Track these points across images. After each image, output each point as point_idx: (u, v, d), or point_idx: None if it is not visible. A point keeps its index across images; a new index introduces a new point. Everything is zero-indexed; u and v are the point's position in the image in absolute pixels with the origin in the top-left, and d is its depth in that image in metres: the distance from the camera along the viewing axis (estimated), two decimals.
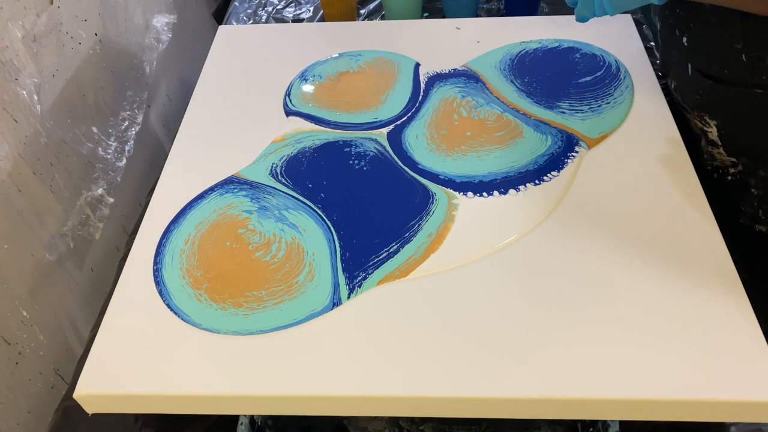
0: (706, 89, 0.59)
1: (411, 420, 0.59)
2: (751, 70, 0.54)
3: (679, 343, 0.47)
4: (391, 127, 0.67)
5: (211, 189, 0.61)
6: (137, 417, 0.58)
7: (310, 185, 0.61)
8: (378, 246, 0.55)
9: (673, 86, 0.65)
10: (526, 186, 0.59)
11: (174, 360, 0.48)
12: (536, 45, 0.76)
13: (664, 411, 0.45)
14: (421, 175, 0.61)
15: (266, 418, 0.57)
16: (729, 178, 0.62)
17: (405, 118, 0.68)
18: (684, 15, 0.59)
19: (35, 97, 0.67)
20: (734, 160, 0.61)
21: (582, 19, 0.63)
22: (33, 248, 0.68)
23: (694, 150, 0.65)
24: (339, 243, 0.55)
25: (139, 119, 0.88)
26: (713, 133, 0.60)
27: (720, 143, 0.61)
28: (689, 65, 0.60)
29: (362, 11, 0.99)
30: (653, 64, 0.81)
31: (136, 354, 0.49)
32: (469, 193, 0.59)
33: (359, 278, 0.53)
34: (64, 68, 0.74)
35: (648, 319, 0.48)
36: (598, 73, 0.71)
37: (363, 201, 0.59)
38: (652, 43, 0.89)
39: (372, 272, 0.53)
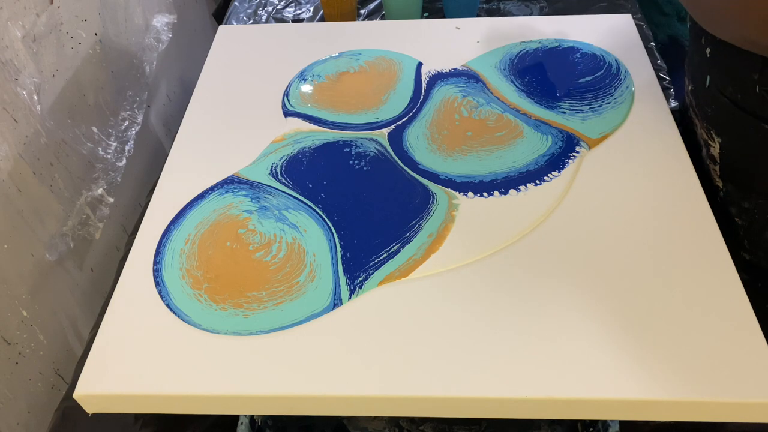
0: (719, 106, 0.58)
1: (411, 420, 0.59)
2: (761, 102, 0.53)
3: (679, 343, 0.47)
4: (391, 127, 0.67)
5: (211, 189, 0.61)
6: (137, 417, 0.58)
7: (310, 185, 0.61)
8: (378, 246, 0.55)
9: (689, 89, 0.64)
10: (526, 186, 0.59)
11: (174, 360, 0.48)
12: (536, 45, 0.76)
13: (664, 411, 0.45)
14: (421, 175, 0.61)
15: (266, 418, 0.57)
16: (717, 199, 0.62)
17: (406, 118, 0.68)
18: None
19: (35, 97, 0.67)
20: (720, 185, 0.60)
21: None
22: (33, 248, 0.68)
23: (695, 151, 0.64)
24: (340, 243, 0.55)
25: (139, 119, 0.88)
26: (715, 149, 0.60)
27: (718, 161, 0.60)
28: (708, 77, 0.59)
29: (362, 11, 0.99)
30: (653, 64, 0.81)
31: (136, 354, 0.49)
32: (470, 194, 0.59)
33: (360, 279, 0.53)
34: (64, 68, 0.74)
35: (648, 319, 0.48)
36: (599, 73, 0.71)
37: (363, 201, 0.59)
38: (653, 43, 0.89)
39: (373, 273, 0.53)
